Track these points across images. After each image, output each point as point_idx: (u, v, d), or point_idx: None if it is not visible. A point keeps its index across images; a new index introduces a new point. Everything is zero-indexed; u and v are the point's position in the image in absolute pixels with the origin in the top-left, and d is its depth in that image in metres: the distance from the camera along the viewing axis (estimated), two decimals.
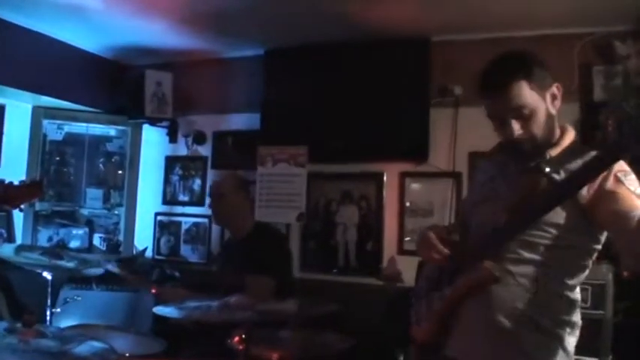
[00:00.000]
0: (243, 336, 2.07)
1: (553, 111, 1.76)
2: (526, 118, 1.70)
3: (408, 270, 3.89)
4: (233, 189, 3.32)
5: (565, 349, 1.73)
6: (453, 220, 3.95)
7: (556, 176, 1.64)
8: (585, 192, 1.65)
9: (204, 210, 4.92)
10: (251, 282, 2.97)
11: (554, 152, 1.75)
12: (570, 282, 1.75)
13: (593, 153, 1.65)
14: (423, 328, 1.89)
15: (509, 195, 1.75)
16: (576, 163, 1.67)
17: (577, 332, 1.78)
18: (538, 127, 1.72)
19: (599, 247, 1.76)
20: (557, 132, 1.80)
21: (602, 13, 3.58)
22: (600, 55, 3.77)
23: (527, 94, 1.69)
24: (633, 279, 3.08)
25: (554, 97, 1.76)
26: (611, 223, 1.64)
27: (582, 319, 1.80)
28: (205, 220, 4.91)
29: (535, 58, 1.77)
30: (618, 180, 1.65)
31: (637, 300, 3.08)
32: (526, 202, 1.65)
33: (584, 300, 1.86)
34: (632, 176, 1.69)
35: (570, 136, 1.82)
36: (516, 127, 1.71)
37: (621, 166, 1.67)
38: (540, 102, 1.72)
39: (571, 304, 1.76)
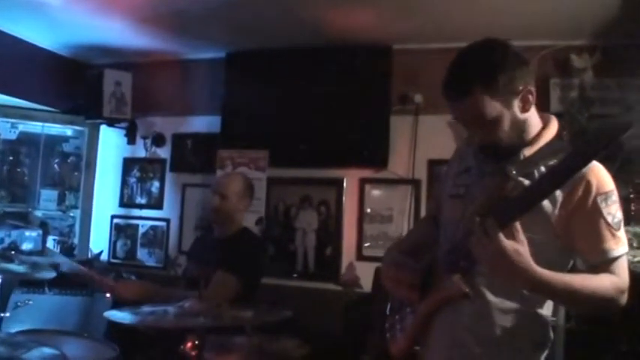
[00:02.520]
0: (196, 342, 2.04)
1: (522, 116, 1.58)
2: (487, 125, 1.55)
3: (366, 276, 3.91)
4: (238, 194, 3.17)
5: None
6: (412, 226, 3.98)
7: (524, 180, 1.52)
8: (558, 210, 1.54)
9: (162, 213, 4.87)
10: (217, 278, 2.89)
11: (528, 152, 1.59)
12: (539, 298, 1.62)
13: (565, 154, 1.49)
14: (399, 343, 1.81)
15: (478, 197, 1.62)
16: (550, 164, 1.54)
17: (545, 351, 1.66)
18: (502, 132, 1.57)
19: (570, 264, 1.65)
20: (535, 129, 1.63)
21: (560, 27, 3.68)
22: (557, 68, 3.87)
23: (486, 105, 1.52)
24: None
25: (525, 102, 1.57)
26: (577, 253, 1.60)
27: None
28: (163, 224, 4.84)
29: (504, 57, 1.55)
30: (597, 207, 1.53)
31: None
32: (492, 209, 1.48)
33: None
34: (614, 197, 1.55)
35: (550, 132, 1.64)
36: (477, 133, 1.60)
37: (602, 185, 1.54)
38: (504, 110, 1.55)
39: (539, 321, 1.64)
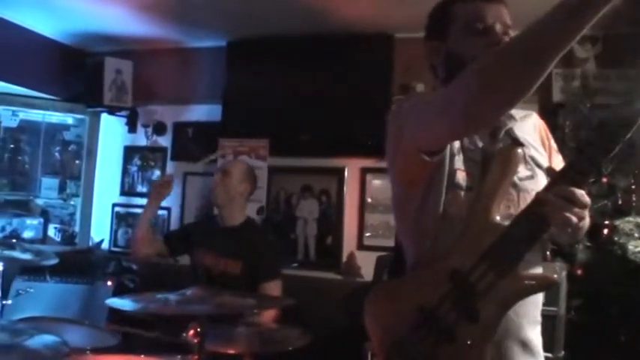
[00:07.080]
0: (199, 329, 2.03)
1: None
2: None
3: (367, 265, 3.91)
4: (241, 175, 3.23)
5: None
6: None
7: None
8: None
9: (163, 202, 4.84)
10: (266, 291, 2.97)
11: None
12: None
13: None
14: None
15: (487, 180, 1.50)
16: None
17: None
18: None
19: None
20: None
21: None
22: (560, 58, 3.84)
23: None
24: (585, 277, 3.17)
25: None
26: None
27: None
28: (164, 213, 4.83)
29: None
30: (550, 138, 1.71)
31: (589, 298, 3.16)
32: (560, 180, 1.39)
33: None
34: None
35: None
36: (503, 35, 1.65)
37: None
38: None
39: None
